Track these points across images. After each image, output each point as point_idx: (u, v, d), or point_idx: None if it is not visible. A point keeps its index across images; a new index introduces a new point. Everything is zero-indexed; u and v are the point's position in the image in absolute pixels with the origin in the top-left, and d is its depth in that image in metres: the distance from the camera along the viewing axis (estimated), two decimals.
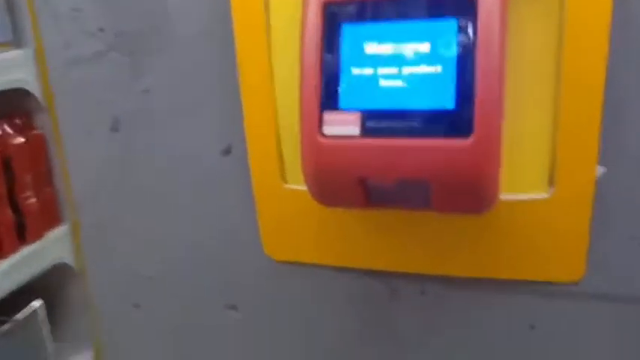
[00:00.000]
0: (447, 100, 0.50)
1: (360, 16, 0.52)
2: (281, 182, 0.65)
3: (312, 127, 0.53)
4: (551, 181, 0.58)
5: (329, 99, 0.53)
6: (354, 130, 0.52)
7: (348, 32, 0.52)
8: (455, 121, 0.50)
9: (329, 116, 0.53)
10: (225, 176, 0.70)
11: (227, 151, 0.69)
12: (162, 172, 0.73)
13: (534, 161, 0.58)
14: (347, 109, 0.52)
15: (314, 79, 0.53)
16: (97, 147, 0.75)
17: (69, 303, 0.98)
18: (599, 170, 0.57)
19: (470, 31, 0.49)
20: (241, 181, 0.68)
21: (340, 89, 0.53)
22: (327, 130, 0.53)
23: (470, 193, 0.52)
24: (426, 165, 0.51)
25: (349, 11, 0.53)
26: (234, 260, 0.74)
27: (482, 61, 0.49)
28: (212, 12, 0.65)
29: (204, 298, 0.77)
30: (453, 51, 0.50)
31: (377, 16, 0.52)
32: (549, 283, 0.62)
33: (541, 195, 0.58)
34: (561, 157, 0.56)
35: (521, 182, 0.58)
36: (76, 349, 0.93)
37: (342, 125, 0.53)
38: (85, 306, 0.88)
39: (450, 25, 0.50)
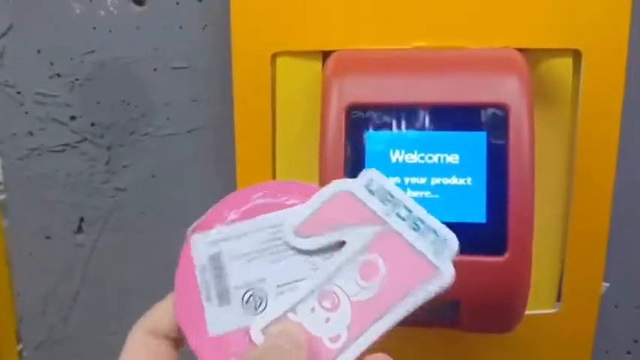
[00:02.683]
0: (478, 214, 0.48)
1: (386, 123, 0.50)
2: None
3: None
4: (558, 297, 0.57)
5: None
6: None
7: (373, 139, 0.50)
8: (487, 236, 0.48)
9: None
10: None
11: None
12: (132, 286, 0.64)
13: (544, 277, 0.56)
14: None
15: None
16: (54, 252, 0.65)
17: None
18: (604, 286, 0.57)
19: (500, 144, 0.48)
20: None
21: None
22: None
23: (501, 312, 0.50)
24: (458, 282, 0.48)
25: (374, 117, 0.50)
26: None
27: (514, 176, 0.47)
28: (207, 109, 0.60)
29: None
30: (482, 164, 0.48)
31: (403, 125, 0.50)
32: None
33: (549, 310, 0.57)
34: (569, 274, 0.56)
35: (531, 297, 0.56)
36: None
37: None
38: None
39: (479, 137, 0.48)
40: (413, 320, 0.52)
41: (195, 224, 0.31)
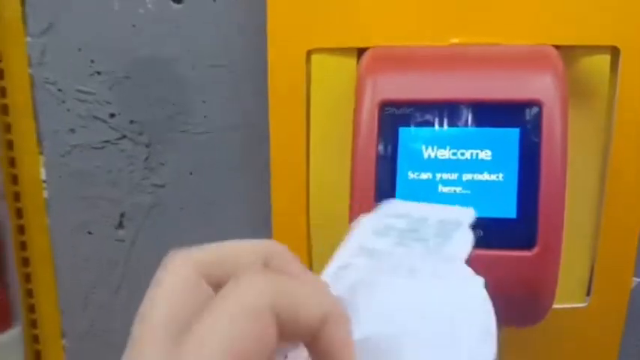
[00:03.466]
0: (508, 209, 0.49)
1: (418, 119, 0.50)
2: None
3: None
4: (588, 291, 0.57)
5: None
6: None
7: (405, 135, 0.51)
8: (517, 231, 0.48)
9: None
10: None
11: None
12: None
13: (575, 271, 0.57)
14: None
15: (368, 184, 0.50)
16: (95, 247, 0.67)
17: None
18: (634, 281, 0.58)
19: (534, 140, 0.48)
20: None
21: (397, 194, 0.50)
22: None
23: (530, 304, 0.51)
24: (486, 276, 0.49)
25: (407, 113, 0.51)
26: None
27: (546, 173, 0.48)
28: (243, 107, 0.62)
29: None
30: (515, 160, 0.49)
31: (435, 121, 0.50)
32: None
33: (579, 304, 0.58)
34: (600, 269, 0.56)
35: (561, 292, 0.57)
36: None
37: None
38: None
39: (512, 133, 0.49)
40: None
41: None
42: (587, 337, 0.59)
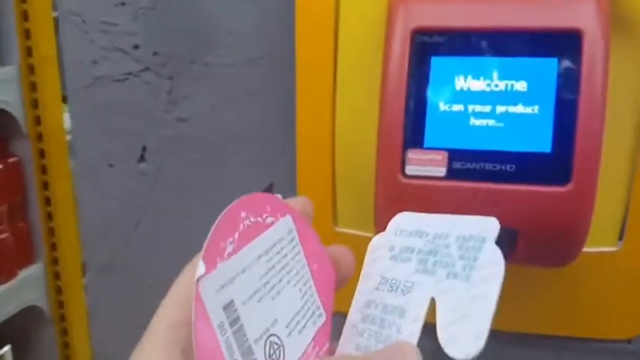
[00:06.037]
0: (543, 143, 0.47)
1: (452, 49, 0.49)
2: (331, 225, 0.59)
3: (394, 166, 0.49)
4: (620, 235, 0.55)
5: (414, 136, 0.49)
6: (440, 171, 0.48)
7: (438, 65, 0.49)
8: (551, 166, 0.47)
9: (413, 155, 0.49)
10: None
11: (268, 191, 0.63)
12: (193, 213, 0.65)
13: (607, 213, 0.55)
14: (433, 148, 0.48)
15: (397, 115, 0.48)
16: (117, 180, 0.67)
17: (39, 348, 0.88)
18: None
19: (572, 72, 0.46)
20: None
21: (426, 126, 0.48)
22: (410, 170, 0.49)
23: (561, 244, 0.49)
24: (517, 212, 0.48)
25: (440, 42, 0.49)
26: None
27: (584, 106, 0.46)
28: (269, 38, 0.60)
29: None
30: (552, 91, 0.47)
31: (470, 50, 0.48)
32: (600, 340, 0.60)
33: (609, 248, 0.56)
34: (634, 212, 0.54)
35: (592, 234, 0.56)
36: None
37: (427, 165, 0.49)
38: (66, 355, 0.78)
39: (550, 63, 0.47)
40: None
41: (200, 268, 0.25)
42: (617, 282, 0.57)
